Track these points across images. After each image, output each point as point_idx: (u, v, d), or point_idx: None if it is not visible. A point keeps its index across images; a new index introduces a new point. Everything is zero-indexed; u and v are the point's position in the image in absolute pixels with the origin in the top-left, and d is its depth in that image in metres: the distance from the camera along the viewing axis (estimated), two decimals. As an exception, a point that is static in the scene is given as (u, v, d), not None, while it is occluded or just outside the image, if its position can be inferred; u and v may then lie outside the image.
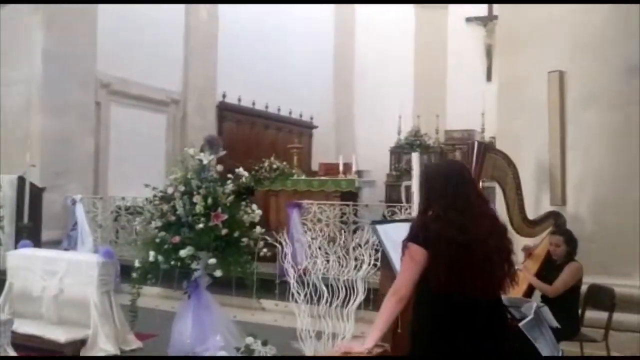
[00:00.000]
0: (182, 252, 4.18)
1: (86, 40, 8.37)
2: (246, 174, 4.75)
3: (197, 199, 4.28)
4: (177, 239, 4.22)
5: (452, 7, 15.25)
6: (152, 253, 4.26)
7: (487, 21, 14.77)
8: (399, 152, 13.41)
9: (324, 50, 14.04)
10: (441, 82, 15.08)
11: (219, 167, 4.56)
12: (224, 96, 11.19)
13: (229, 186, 4.42)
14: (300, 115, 13.23)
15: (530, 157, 5.02)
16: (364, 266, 4.25)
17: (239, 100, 11.53)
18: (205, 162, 4.47)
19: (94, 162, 8.77)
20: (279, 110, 12.54)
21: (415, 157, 5.34)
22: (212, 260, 4.20)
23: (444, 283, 2.27)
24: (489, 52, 14.83)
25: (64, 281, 5.02)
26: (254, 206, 4.53)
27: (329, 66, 14.25)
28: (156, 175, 10.00)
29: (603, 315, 4.07)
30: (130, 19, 9.28)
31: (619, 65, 4.50)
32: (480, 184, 4.09)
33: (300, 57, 12.98)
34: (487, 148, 4.29)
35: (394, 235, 2.92)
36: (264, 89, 11.94)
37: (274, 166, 8.56)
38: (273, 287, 5.93)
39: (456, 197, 2.39)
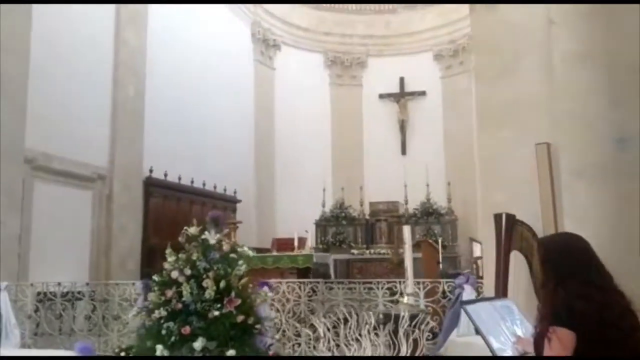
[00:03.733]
0: (197, 345, 3.71)
1: (15, 115, 7.68)
2: (250, 253, 4.39)
3: (207, 283, 3.87)
4: (187, 329, 3.76)
5: (366, 84, 15.88)
6: (159, 347, 3.75)
7: (399, 97, 15.49)
8: (324, 225, 13.35)
9: (244, 123, 13.97)
10: (358, 155, 15.45)
11: (225, 247, 4.18)
12: (150, 171, 10.67)
13: (243, 267, 4.05)
14: (225, 190, 12.88)
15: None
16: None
17: (165, 175, 11.04)
18: (212, 241, 4.08)
19: (18, 245, 7.88)
20: (204, 184, 12.15)
21: (407, 229, 5.26)
22: (232, 352, 3.75)
23: None
24: (402, 127, 15.45)
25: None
26: (265, 288, 4.17)
27: (250, 139, 14.14)
28: (81, 256, 9.25)
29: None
30: (57, 93, 8.73)
31: (608, 135, 4.72)
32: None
33: (223, 131, 12.83)
34: (515, 220, 4.29)
35: (485, 316, 2.76)
36: (189, 163, 11.61)
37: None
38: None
39: (590, 272, 2.30)
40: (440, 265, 7.99)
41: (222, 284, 3.89)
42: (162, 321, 3.84)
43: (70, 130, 8.93)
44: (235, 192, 13.21)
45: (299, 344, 6.15)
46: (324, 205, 13.79)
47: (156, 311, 3.88)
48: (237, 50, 13.84)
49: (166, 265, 4.12)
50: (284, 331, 6.27)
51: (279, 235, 11.99)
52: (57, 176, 8.86)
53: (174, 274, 3.95)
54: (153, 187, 10.79)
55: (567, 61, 4.97)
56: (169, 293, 3.90)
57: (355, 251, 12.93)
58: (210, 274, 3.94)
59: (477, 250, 10.41)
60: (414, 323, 4.36)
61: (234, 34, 13.74)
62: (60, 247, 8.66)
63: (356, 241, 13.43)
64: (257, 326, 3.98)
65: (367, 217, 13.72)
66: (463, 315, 5.91)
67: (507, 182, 5.50)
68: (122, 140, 10.14)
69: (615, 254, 4.61)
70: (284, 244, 8.39)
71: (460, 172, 14.29)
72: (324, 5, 15.45)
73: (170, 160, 11.10)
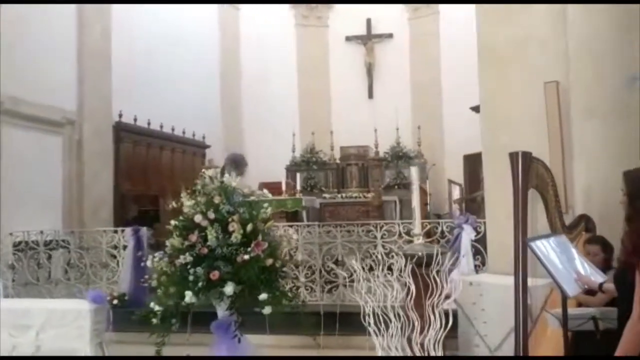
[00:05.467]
0: (228, 290, 3.62)
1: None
2: (270, 195, 4.27)
3: (233, 226, 3.75)
4: (216, 274, 3.65)
5: (332, 25, 15.55)
6: (188, 293, 3.63)
7: (366, 40, 15.26)
8: (295, 170, 13.23)
9: (211, 66, 13.56)
10: (326, 99, 15.28)
11: (247, 190, 4.05)
12: (120, 116, 10.26)
13: (268, 210, 3.94)
14: (193, 135, 12.57)
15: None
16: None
17: (135, 120, 10.65)
18: (233, 184, 3.94)
19: (-11, 193, 7.50)
20: (172, 130, 11.81)
21: (414, 170, 5.23)
22: (264, 296, 3.67)
23: None
24: (369, 71, 15.30)
25: (40, 336, 4.14)
26: (291, 230, 4.08)
27: (216, 83, 13.76)
28: (54, 203, 8.91)
29: None
30: (22, 35, 8.19)
31: (618, 75, 4.75)
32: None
33: (189, 75, 12.41)
34: (531, 157, 4.28)
35: (549, 254, 2.76)
36: (158, 108, 11.22)
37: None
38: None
39: None
40: (428, 207, 8.06)
41: (249, 227, 3.78)
42: (188, 267, 3.72)
43: (37, 72, 8.43)
44: (203, 137, 12.92)
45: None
46: (293, 150, 13.66)
47: (181, 257, 3.75)
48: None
49: (185, 209, 3.97)
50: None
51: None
52: (26, 121, 8.40)
53: (197, 218, 3.81)
54: (123, 132, 10.41)
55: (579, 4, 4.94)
56: (193, 237, 3.77)
57: (327, 195, 12.92)
58: (235, 217, 3.81)
59: (455, 192, 10.57)
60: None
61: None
62: (32, 194, 8.30)
63: (327, 185, 13.41)
64: (284, 269, 3.92)
65: (338, 161, 13.67)
66: (462, 254, 6.03)
67: (512, 122, 5.50)
68: (90, 82, 9.67)
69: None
70: (272, 189, 8.24)
71: (427, 116, 14.36)
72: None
73: (139, 104, 10.70)
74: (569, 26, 5.00)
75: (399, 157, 13.27)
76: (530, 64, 5.30)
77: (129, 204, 10.35)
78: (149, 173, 11.16)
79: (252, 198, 4.08)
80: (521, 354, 3.05)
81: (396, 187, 12.87)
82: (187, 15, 12.46)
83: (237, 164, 4.23)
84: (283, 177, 11.98)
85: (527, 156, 4.23)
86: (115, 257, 6.85)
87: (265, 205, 3.99)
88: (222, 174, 4.09)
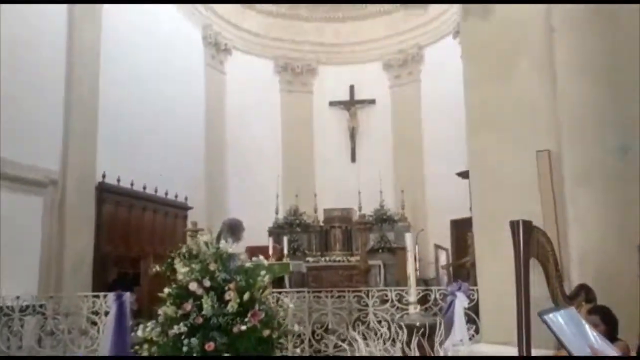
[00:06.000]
0: (223, 363, 3.47)
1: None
2: (265, 262, 4.16)
3: (230, 295, 3.63)
4: (211, 345, 3.50)
5: (316, 91, 15.82)
6: (182, 365, 3.48)
7: (350, 105, 15.52)
8: (278, 233, 13.09)
9: (196, 129, 13.59)
10: (310, 162, 15.36)
11: (243, 257, 3.95)
12: (103, 176, 10.14)
13: (266, 277, 3.83)
14: (176, 196, 12.44)
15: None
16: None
17: (118, 180, 10.53)
18: (230, 250, 3.84)
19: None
20: (155, 191, 11.68)
21: (408, 237, 5.19)
22: (260, 368, 3.53)
23: None
24: (352, 135, 15.49)
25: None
26: (286, 299, 3.97)
27: (201, 145, 13.74)
28: (30, 264, 8.64)
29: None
30: (8, 93, 8.15)
31: (610, 141, 4.83)
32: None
33: (174, 137, 12.42)
34: (532, 226, 4.27)
35: (562, 326, 2.70)
36: (142, 169, 11.14)
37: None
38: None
39: None
40: (417, 273, 7.96)
41: (246, 296, 3.67)
42: (182, 337, 3.57)
43: (23, 132, 8.36)
44: (186, 199, 12.79)
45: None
46: (277, 212, 13.59)
47: (175, 326, 3.60)
48: (189, 53, 13.45)
49: (179, 276, 3.84)
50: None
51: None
52: (10, 182, 8.25)
53: (192, 286, 3.68)
54: (106, 193, 10.26)
55: (569, 69, 5.06)
56: (188, 306, 3.64)
57: (310, 259, 12.77)
58: (232, 285, 3.70)
59: (442, 257, 10.51)
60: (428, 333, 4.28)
61: (186, 37, 13.35)
62: (7, 255, 8.04)
63: (310, 248, 13.29)
64: (281, 340, 3.78)
65: (322, 224, 13.61)
66: (456, 322, 5.92)
67: (503, 188, 5.52)
68: (75, 143, 9.58)
69: (618, 259, 4.73)
70: (259, 253, 8.10)
71: (410, 179, 14.48)
72: (275, 10, 15.28)
73: (123, 164, 10.61)
74: (559, 93, 5.10)
75: (383, 220, 13.27)
76: (520, 129, 5.38)
77: (109, 266, 10.10)
78: (131, 234, 10.96)
79: (247, 264, 3.97)
80: None
81: (380, 250, 12.79)
82: (174, 76, 12.56)
83: (233, 229, 4.13)
84: (267, 240, 11.87)
85: (528, 225, 4.23)
86: (95, 323, 6.59)
87: (263, 272, 3.89)
88: (218, 239, 3.99)
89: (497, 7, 5.51)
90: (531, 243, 4.15)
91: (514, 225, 4.25)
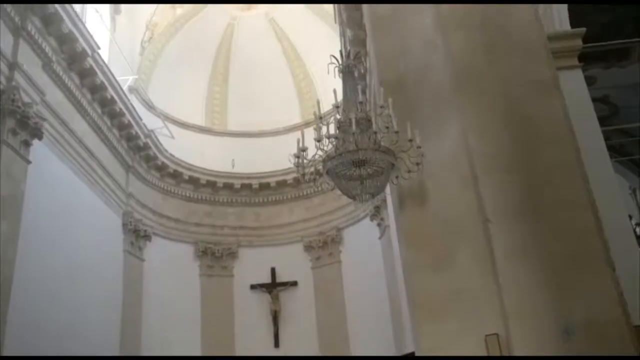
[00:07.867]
0: None
1: None
2: None
3: None
4: None
5: (237, 274, 15.71)
6: None
7: (271, 288, 15.42)
8: None
9: (112, 316, 12.79)
10: (230, 350, 14.77)
11: None
12: (9, 378, 9.17)
13: None
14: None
15: None
16: None
17: None
18: None
19: None
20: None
21: None
22: None
23: None
24: (275, 318, 15.23)
25: None
26: None
27: (116, 333, 12.88)
28: None
29: None
30: None
31: (555, 326, 5.05)
32: None
33: (90, 327, 11.62)
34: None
35: None
36: None
37: None
38: None
39: None
40: None
41: None
42: None
43: None
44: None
45: None
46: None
47: None
48: (108, 240, 13.09)
49: None
50: None
51: None
52: None
53: None
54: None
55: (508, 257, 5.41)
56: None
57: None
58: None
59: None
60: None
61: (106, 224, 13.08)
62: None
63: None
64: None
65: None
66: None
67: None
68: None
69: None
70: None
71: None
72: (196, 196, 15.59)
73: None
74: (502, 279, 5.38)
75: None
76: (465, 316, 5.52)
77: None
78: None
79: None
80: None
81: None
82: (92, 265, 12.01)
83: None
84: None
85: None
86: None
87: None
88: None
89: (431, 199, 5.90)
90: None
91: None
